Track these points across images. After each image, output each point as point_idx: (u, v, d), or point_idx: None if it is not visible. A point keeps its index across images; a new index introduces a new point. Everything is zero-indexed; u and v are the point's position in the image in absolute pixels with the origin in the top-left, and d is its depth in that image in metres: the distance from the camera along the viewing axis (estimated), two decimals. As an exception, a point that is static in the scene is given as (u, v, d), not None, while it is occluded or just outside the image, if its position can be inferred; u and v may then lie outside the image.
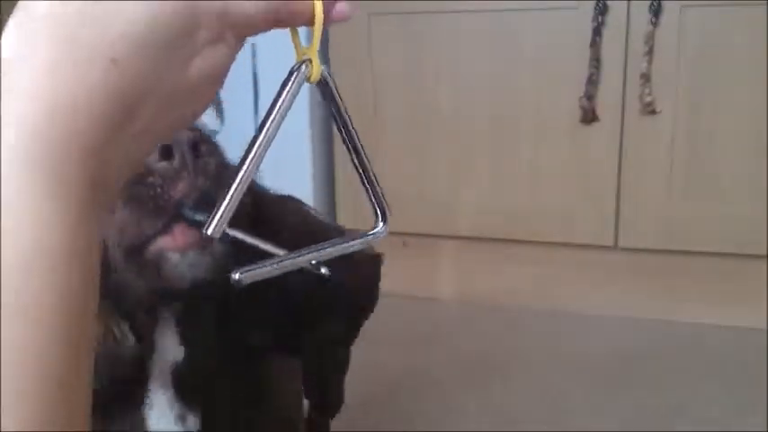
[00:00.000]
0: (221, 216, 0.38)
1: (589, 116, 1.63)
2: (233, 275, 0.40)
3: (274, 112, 0.40)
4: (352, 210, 1.85)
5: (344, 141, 0.47)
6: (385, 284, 1.10)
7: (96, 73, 0.30)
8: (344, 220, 1.87)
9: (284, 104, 0.41)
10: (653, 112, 1.59)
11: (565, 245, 1.74)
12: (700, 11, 1.55)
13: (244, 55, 1.80)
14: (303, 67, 0.41)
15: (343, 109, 0.45)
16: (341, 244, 0.48)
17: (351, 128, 0.46)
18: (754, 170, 1.57)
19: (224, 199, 0.38)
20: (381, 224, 0.51)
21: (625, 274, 1.72)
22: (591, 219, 1.69)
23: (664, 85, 1.58)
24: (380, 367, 1.46)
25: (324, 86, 0.44)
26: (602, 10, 1.59)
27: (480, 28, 1.70)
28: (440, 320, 1.74)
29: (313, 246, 0.46)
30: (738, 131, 1.57)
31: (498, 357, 1.53)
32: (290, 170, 1.84)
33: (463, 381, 1.45)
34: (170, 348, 0.61)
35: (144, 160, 0.36)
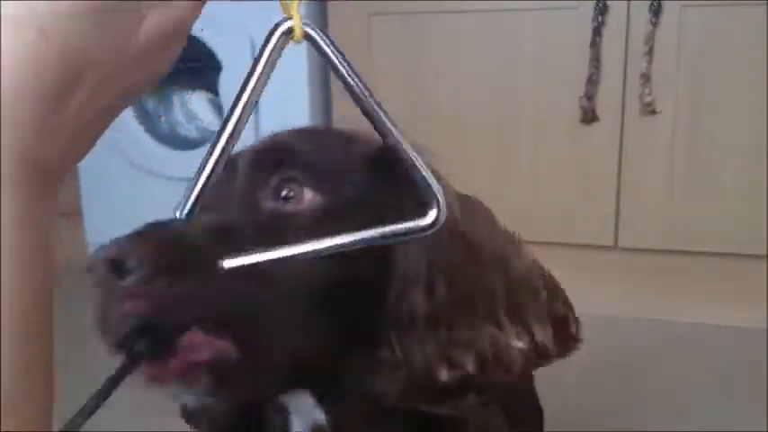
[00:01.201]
0: (197, 195, 0.35)
1: (589, 116, 1.64)
2: (220, 263, 0.36)
3: (255, 77, 0.36)
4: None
5: (354, 99, 0.42)
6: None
7: (23, 48, 0.28)
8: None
9: (265, 70, 0.37)
10: (653, 112, 1.59)
11: (565, 245, 1.74)
12: (700, 11, 1.55)
13: (243, 56, 1.80)
14: (283, 24, 0.37)
15: (338, 61, 0.41)
16: (364, 236, 0.40)
17: (354, 82, 0.42)
18: (754, 170, 1.57)
19: (201, 172, 0.35)
20: (431, 212, 0.40)
21: (625, 274, 1.72)
22: (591, 219, 1.69)
23: (664, 85, 1.58)
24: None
25: (315, 45, 0.40)
26: (602, 10, 1.59)
27: (480, 28, 1.70)
28: (440, 320, 1.73)
29: (310, 243, 0.40)
30: (738, 131, 1.57)
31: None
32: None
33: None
34: (306, 412, 0.52)
35: (99, 135, 0.33)
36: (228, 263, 0.36)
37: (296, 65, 1.75)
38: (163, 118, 2.02)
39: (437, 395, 0.48)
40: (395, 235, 0.40)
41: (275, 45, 0.37)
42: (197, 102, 2.04)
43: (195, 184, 0.35)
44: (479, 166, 1.75)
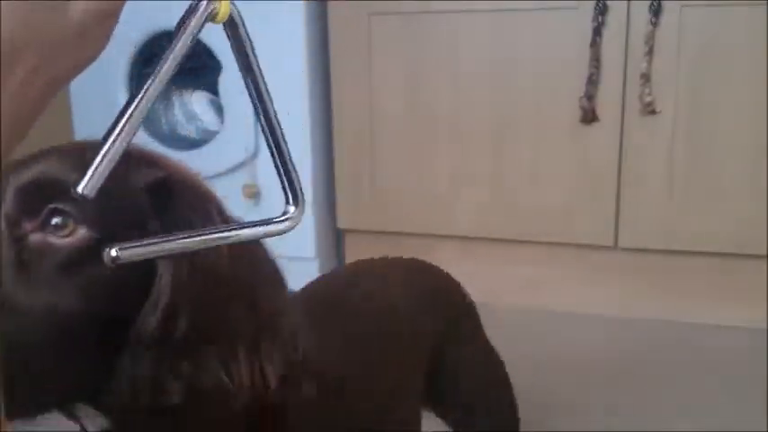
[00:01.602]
0: (95, 172, 0.33)
1: (589, 116, 1.63)
2: (108, 251, 0.35)
3: (172, 56, 0.34)
4: (352, 210, 1.85)
5: (250, 94, 0.40)
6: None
7: None
8: (344, 220, 1.87)
9: (180, 47, 0.35)
10: (653, 112, 1.59)
11: (565, 245, 1.74)
12: (700, 11, 1.55)
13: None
14: (204, 3, 0.35)
15: (251, 54, 0.39)
16: (247, 228, 0.41)
17: (259, 78, 0.39)
18: (754, 170, 1.57)
19: (100, 152, 0.33)
20: (293, 208, 0.42)
21: (625, 274, 1.72)
22: (591, 219, 1.69)
23: (664, 85, 1.58)
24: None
25: (232, 28, 0.37)
26: (602, 10, 1.59)
27: (480, 28, 1.70)
28: (440, 320, 1.73)
29: (217, 227, 0.40)
30: (738, 131, 1.57)
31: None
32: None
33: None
34: (92, 418, 0.55)
35: (39, 110, 0.33)
36: (119, 251, 0.36)
37: (295, 64, 1.74)
38: (163, 118, 2.02)
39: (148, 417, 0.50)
40: (265, 234, 0.41)
41: (196, 24, 0.35)
42: (197, 102, 2.03)
43: (96, 163, 0.33)
44: (479, 167, 1.75)
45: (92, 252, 0.45)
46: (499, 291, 1.79)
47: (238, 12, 0.36)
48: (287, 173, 0.41)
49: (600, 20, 1.59)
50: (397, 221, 1.82)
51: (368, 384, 0.71)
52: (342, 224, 1.88)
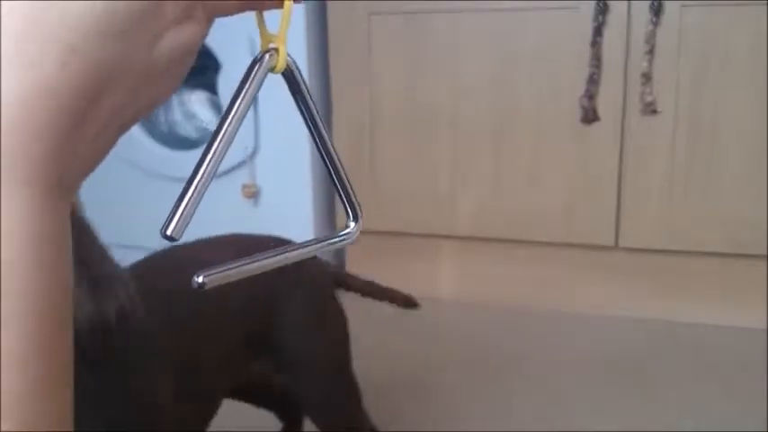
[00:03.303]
0: (182, 214, 0.34)
1: (590, 116, 1.63)
2: (195, 278, 0.36)
3: (237, 105, 0.37)
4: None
5: (311, 135, 0.43)
6: (385, 284, 1.10)
7: (55, 64, 0.28)
8: (344, 221, 1.87)
9: (247, 96, 0.38)
10: (654, 111, 1.59)
11: (565, 245, 1.74)
12: (700, 11, 1.54)
13: (243, 56, 1.79)
14: (267, 56, 0.38)
15: (309, 100, 0.43)
16: (311, 245, 0.44)
17: (318, 120, 0.44)
18: (754, 170, 1.57)
19: (183, 195, 0.35)
20: (353, 224, 0.47)
21: (625, 274, 1.72)
22: (591, 219, 1.69)
23: (664, 84, 1.58)
24: (379, 367, 1.46)
25: (290, 77, 0.40)
26: (602, 9, 1.58)
27: (480, 28, 1.70)
28: (440, 320, 1.73)
29: (283, 248, 0.43)
30: (738, 131, 1.57)
31: (498, 357, 1.53)
32: (290, 171, 1.84)
33: (463, 380, 1.45)
34: None
35: (108, 151, 0.34)
36: (205, 278, 0.37)
37: (297, 61, 1.74)
38: (162, 118, 2.02)
39: None
40: (331, 245, 0.45)
41: (255, 78, 0.38)
42: (196, 101, 2.03)
43: (177, 206, 0.35)
44: (479, 166, 1.75)
45: None
46: (499, 291, 1.79)
47: (293, 61, 0.40)
48: (346, 194, 0.46)
49: (600, 19, 1.59)
50: (397, 221, 1.82)
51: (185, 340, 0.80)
52: (341, 224, 1.88)
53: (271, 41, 0.38)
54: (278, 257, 0.42)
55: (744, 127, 1.57)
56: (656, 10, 1.55)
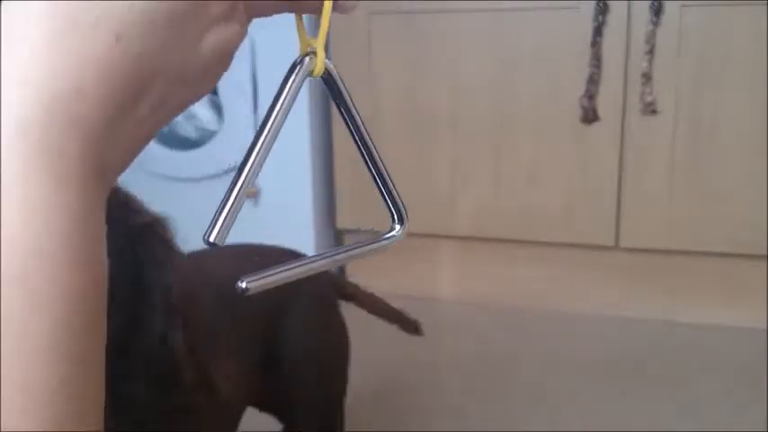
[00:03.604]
0: (224, 221, 0.35)
1: (590, 116, 1.63)
2: (239, 284, 0.37)
3: (276, 109, 0.38)
4: (351, 211, 1.85)
5: (354, 138, 0.44)
6: (385, 284, 1.10)
7: (98, 52, 0.27)
8: (344, 220, 1.87)
9: (287, 100, 0.38)
10: (654, 111, 1.59)
11: (565, 245, 1.74)
12: (700, 10, 1.54)
13: (243, 55, 1.79)
14: (306, 60, 0.39)
15: (351, 104, 0.43)
16: (356, 248, 0.44)
17: (360, 124, 0.44)
18: (754, 170, 1.57)
19: (225, 201, 0.35)
20: (398, 226, 0.47)
21: (625, 274, 1.72)
22: (591, 219, 1.69)
23: (664, 84, 1.58)
24: (379, 366, 1.46)
25: (329, 81, 0.41)
26: (602, 9, 1.58)
27: (480, 28, 1.70)
28: (440, 320, 1.73)
29: (327, 251, 0.43)
30: (738, 131, 1.57)
31: (498, 357, 1.53)
32: (290, 171, 1.84)
33: (463, 380, 1.45)
34: None
35: (147, 143, 0.33)
36: (248, 283, 0.38)
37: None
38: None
39: None
40: (376, 248, 0.45)
41: (294, 82, 0.39)
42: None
43: (219, 213, 0.35)
44: (479, 166, 1.75)
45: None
46: (499, 291, 1.79)
47: (334, 66, 0.40)
48: (391, 197, 0.46)
49: (600, 19, 1.59)
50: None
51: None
52: (341, 224, 1.88)
53: (310, 45, 0.38)
54: (323, 261, 0.42)
55: (744, 127, 1.57)
56: (656, 10, 1.55)
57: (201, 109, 2.04)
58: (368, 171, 0.45)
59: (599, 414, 1.31)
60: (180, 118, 2.04)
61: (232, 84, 1.78)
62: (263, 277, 0.38)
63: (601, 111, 1.63)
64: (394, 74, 1.77)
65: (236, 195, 0.36)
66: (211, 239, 0.34)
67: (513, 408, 1.34)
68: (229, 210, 0.35)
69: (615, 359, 1.52)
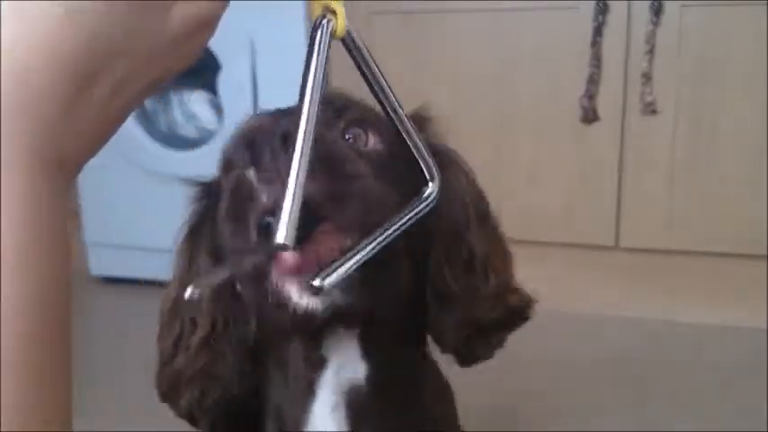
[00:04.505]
0: (290, 218, 0.32)
1: (590, 116, 1.63)
2: (312, 283, 0.35)
3: (310, 82, 0.34)
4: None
5: (377, 97, 0.42)
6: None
7: (48, 31, 0.26)
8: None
9: (319, 68, 0.35)
10: (654, 111, 1.59)
11: (565, 245, 1.74)
12: (700, 10, 1.54)
13: (243, 55, 1.79)
14: (326, 20, 0.35)
15: (372, 62, 0.41)
16: (402, 220, 0.43)
17: (386, 86, 0.42)
18: (754, 170, 1.57)
19: (289, 197, 0.32)
20: (431, 184, 0.46)
21: (625, 274, 1.72)
22: (591, 219, 1.69)
23: (664, 84, 1.58)
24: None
25: (350, 44, 0.38)
26: (602, 9, 1.58)
27: (480, 28, 1.70)
28: (440, 320, 1.73)
29: (379, 229, 0.41)
30: (739, 131, 1.57)
31: (498, 357, 1.53)
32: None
33: (462, 380, 1.45)
34: (348, 365, 0.54)
35: (116, 129, 0.31)
36: (325, 278, 0.36)
37: (296, 64, 1.74)
38: (162, 118, 2.02)
39: (488, 329, 0.63)
40: (416, 214, 0.44)
41: (321, 45, 0.36)
42: (196, 101, 2.03)
43: (289, 209, 0.33)
44: (479, 166, 1.75)
45: (385, 162, 0.51)
46: (499, 291, 1.79)
47: (354, 29, 0.37)
48: (420, 154, 0.46)
49: (600, 19, 1.59)
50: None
51: None
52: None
53: (326, 6, 0.35)
54: (379, 239, 0.41)
55: (744, 127, 1.56)
56: (656, 10, 1.55)
57: (202, 109, 2.04)
58: (398, 133, 0.45)
59: (599, 414, 1.31)
60: (180, 118, 2.04)
61: (232, 84, 1.78)
62: (334, 270, 0.36)
63: (601, 111, 1.63)
64: (394, 74, 1.77)
65: (296, 185, 0.33)
66: (280, 241, 0.32)
67: (513, 408, 1.34)
68: (292, 205, 0.32)
69: (615, 359, 1.52)
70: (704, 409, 1.31)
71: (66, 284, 0.28)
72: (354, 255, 0.38)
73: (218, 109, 1.97)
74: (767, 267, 1.59)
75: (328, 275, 0.36)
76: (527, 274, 1.98)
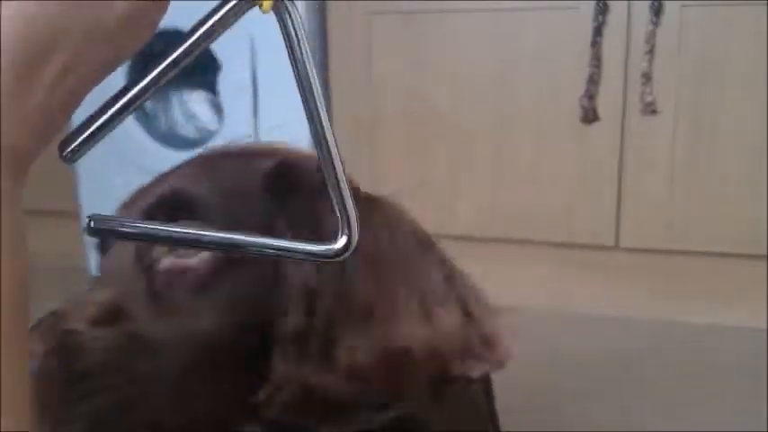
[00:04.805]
0: (82, 137, 0.30)
1: (590, 116, 1.63)
2: (88, 222, 0.33)
3: (195, 35, 0.32)
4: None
5: (300, 93, 0.35)
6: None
7: None
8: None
9: (209, 30, 0.32)
10: (654, 111, 1.59)
11: (565, 245, 1.73)
12: (700, 10, 1.54)
13: (243, 55, 1.79)
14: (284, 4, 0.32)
15: (299, 48, 0.35)
16: (275, 245, 0.36)
17: (310, 76, 0.35)
18: (755, 170, 1.57)
19: (91, 120, 0.30)
20: (343, 238, 0.36)
21: (625, 274, 1.72)
22: (591, 219, 1.69)
23: (664, 84, 1.58)
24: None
25: (284, 18, 0.35)
26: (602, 9, 1.58)
27: (480, 28, 1.70)
28: (440, 320, 1.73)
29: (222, 234, 0.36)
30: (739, 131, 1.57)
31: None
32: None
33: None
34: None
35: (70, 116, 0.30)
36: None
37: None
38: (162, 118, 2.02)
39: (326, 410, 0.46)
40: (306, 255, 0.36)
41: (233, 8, 0.33)
42: (196, 101, 2.03)
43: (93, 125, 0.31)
44: (479, 166, 1.75)
45: (218, 270, 0.44)
46: (499, 291, 1.79)
47: (291, 4, 0.34)
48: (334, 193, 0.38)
49: (600, 19, 1.59)
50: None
51: None
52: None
53: None
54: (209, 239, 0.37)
55: (744, 127, 1.56)
56: (656, 10, 1.55)
57: (202, 109, 2.04)
58: (312, 140, 0.37)
59: (599, 414, 1.31)
60: (179, 118, 2.04)
61: (232, 84, 1.78)
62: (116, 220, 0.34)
63: (601, 111, 1.63)
64: (394, 74, 1.77)
65: (105, 116, 0.31)
66: (63, 154, 0.30)
67: (512, 408, 1.34)
68: (93, 128, 0.30)
69: (615, 359, 1.51)
70: (704, 409, 1.31)
71: (19, 291, 0.27)
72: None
73: (218, 109, 1.96)
74: (767, 267, 1.59)
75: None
76: (527, 274, 1.99)
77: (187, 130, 2.03)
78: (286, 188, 0.47)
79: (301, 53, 0.35)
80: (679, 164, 1.61)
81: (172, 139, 1.97)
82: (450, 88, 1.74)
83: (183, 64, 0.32)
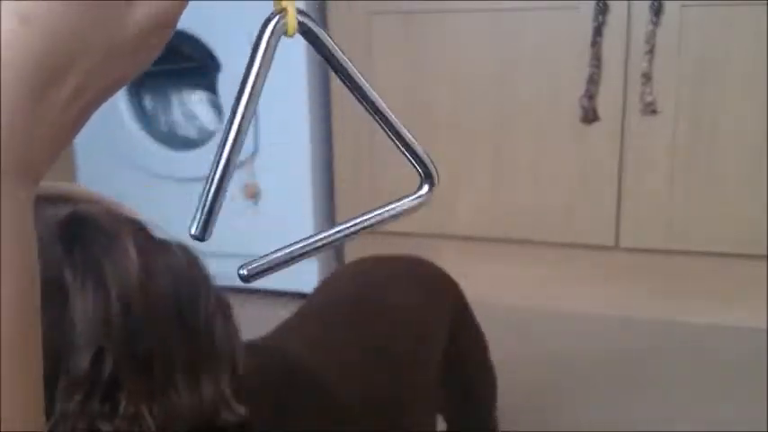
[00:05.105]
0: (207, 213, 0.31)
1: (590, 116, 1.63)
2: (239, 271, 0.34)
3: (250, 82, 0.34)
4: (352, 210, 1.85)
5: (352, 92, 0.39)
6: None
7: (5, 33, 0.25)
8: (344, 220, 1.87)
9: (262, 70, 0.34)
10: (654, 111, 1.59)
11: (565, 245, 1.74)
12: (700, 10, 1.54)
13: (243, 55, 1.79)
14: (274, 19, 0.34)
15: (339, 57, 0.38)
16: (382, 212, 0.38)
17: (359, 78, 0.39)
18: (755, 170, 1.57)
19: (206, 192, 0.31)
20: (426, 186, 0.40)
21: (625, 274, 1.72)
22: (591, 219, 1.69)
23: (664, 84, 1.58)
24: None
25: (311, 37, 0.37)
26: (602, 9, 1.58)
27: (480, 28, 1.70)
28: (440, 320, 1.73)
29: (355, 217, 0.38)
30: (738, 131, 1.57)
31: (497, 357, 1.53)
32: (290, 171, 1.84)
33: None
34: None
35: (78, 131, 0.30)
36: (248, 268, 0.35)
37: (295, 65, 1.74)
38: (162, 118, 2.02)
39: None
40: (410, 210, 0.40)
41: (268, 45, 0.34)
42: (196, 101, 2.03)
43: (204, 200, 0.32)
44: (479, 167, 1.75)
45: None
46: (499, 291, 1.79)
47: (313, 21, 0.36)
48: (413, 153, 0.40)
49: (600, 19, 1.59)
50: (397, 221, 1.82)
51: (388, 391, 0.72)
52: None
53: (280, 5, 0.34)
54: (351, 227, 0.38)
55: (744, 127, 1.57)
56: (656, 10, 1.55)
57: (202, 109, 2.04)
58: (381, 128, 0.39)
59: (599, 414, 1.31)
60: (180, 118, 2.04)
61: (232, 84, 1.77)
62: (264, 261, 0.34)
63: (601, 111, 1.63)
64: (394, 74, 1.77)
65: (220, 178, 0.32)
66: (193, 232, 0.31)
67: (512, 408, 1.34)
68: (206, 199, 0.31)
69: (615, 359, 1.52)
70: (704, 409, 1.31)
71: (29, 302, 0.27)
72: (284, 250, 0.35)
73: (218, 109, 1.97)
74: (767, 267, 1.59)
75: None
76: (527, 274, 1.99)
77: (187, 131, 2.03)
78: (76, 237, 0.48)
79: (341, 63, 0.38)
80: (679, 164, 1.61)
81: (172, 140, 1.97)
82: (450, 88, 1.74)
83: (245, 130, 0.33)
